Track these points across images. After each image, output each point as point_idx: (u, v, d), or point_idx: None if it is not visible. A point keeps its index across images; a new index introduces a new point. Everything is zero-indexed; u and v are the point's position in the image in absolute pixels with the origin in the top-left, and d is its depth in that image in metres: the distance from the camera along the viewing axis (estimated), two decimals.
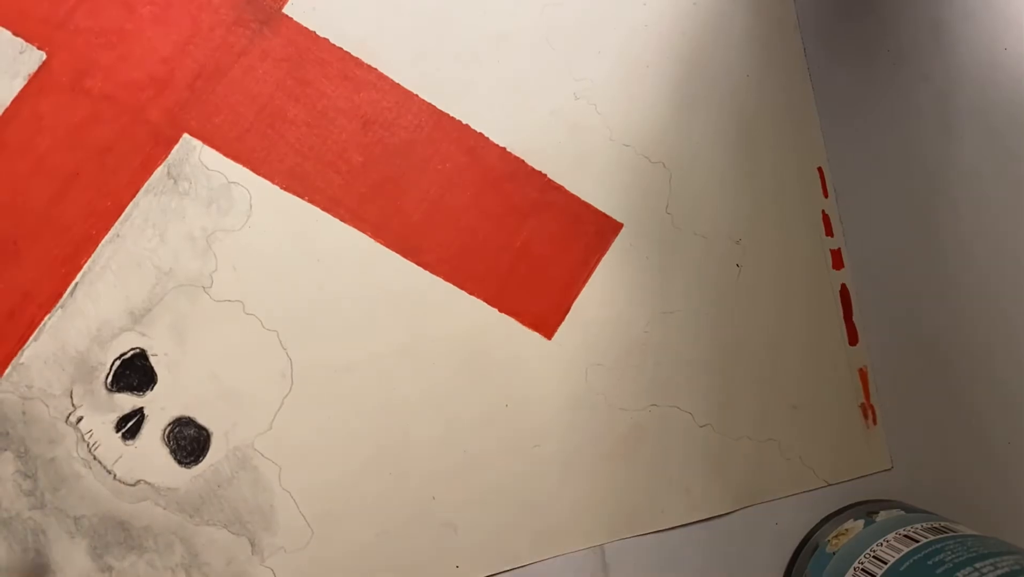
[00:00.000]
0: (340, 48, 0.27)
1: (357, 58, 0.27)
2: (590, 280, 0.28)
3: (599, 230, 0.28)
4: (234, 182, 0.27)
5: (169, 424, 0.26)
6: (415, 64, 0.28)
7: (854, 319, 0.29)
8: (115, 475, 0.26)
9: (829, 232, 0.29)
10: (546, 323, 0.28)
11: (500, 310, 0.28)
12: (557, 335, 0.28)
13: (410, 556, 0.27)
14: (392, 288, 0.27)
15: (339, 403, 0.27)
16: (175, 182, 0.26)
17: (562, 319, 0.28)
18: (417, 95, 0.27)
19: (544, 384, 0.28)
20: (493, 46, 0.28)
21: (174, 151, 0.26)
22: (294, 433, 0.27)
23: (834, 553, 0.27)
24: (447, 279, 0.27)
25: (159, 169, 0.26)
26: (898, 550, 0.25)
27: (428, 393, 0.27)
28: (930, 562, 0.24)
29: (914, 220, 0.30)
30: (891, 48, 0.31)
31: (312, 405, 0.27)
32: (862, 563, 0.25)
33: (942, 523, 0.26)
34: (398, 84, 0.27)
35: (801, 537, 0.29)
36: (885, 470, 0.29)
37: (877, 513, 0.28)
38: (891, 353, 0.30)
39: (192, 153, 0.26)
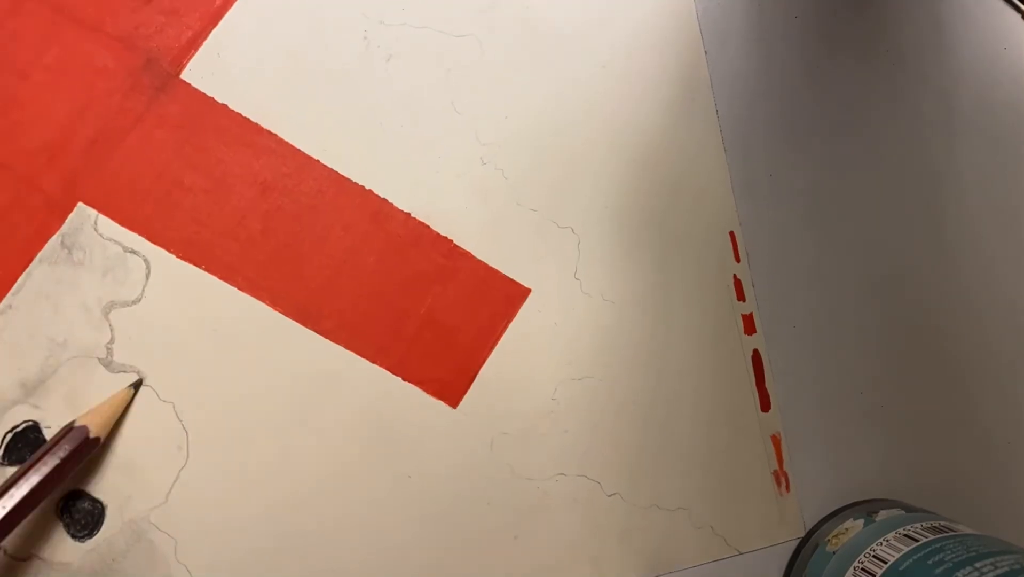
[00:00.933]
0: (239, 114, 0.27)
1: (256, 124, 0.27)
2: (497, 347, 0.28)
3: (506, 296, 0.28)
4: (130, 251, 0.26)
5: (62, 497, 0.26)
6: (316, 129, 0.27)
7: (766, 385, 0.29)
8: (6, 550, 0.25)
9: (741, 297, 0.29)
10: (451, 392, 0.28)
11: (404, 379, 0.27)
12: (462, 404, 0.28)
13: None
14: (291, 358, 0.27)
15: (236, 476, 0.26)
16: (69, 252, 0.26)
17: (467, 387, 0.28)
18: (318, 160, 0.27)
19: (449, 455, 0.27)
20: (397, 110, 0.28)
21: (68, 220, 0.26)
22: (190, 506, 0.26)
23: (834, 552, 0.26)
24: (348, 347, 0.27)
25: (53, 239, 0.26)
26: (898, 549, 0.25)
27: (329, 465, 0.27)
28: (930, 561, 0.24)
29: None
30: (891, 48, 0.30)
31: (209, 478, 0.26)
32: (862, 562, 0.25)
33: (942, 523, 0.26)
34: (299, 150, 0.27)
35: (801, 537, 0.29)
36: (798, 538, 0.29)
37: (877, 512, 0.27)
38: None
39: (87, 222, 0.26)
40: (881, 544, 0.25)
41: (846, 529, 0.27)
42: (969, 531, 0.25)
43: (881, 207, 0.30)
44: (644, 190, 0.29)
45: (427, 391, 0.27)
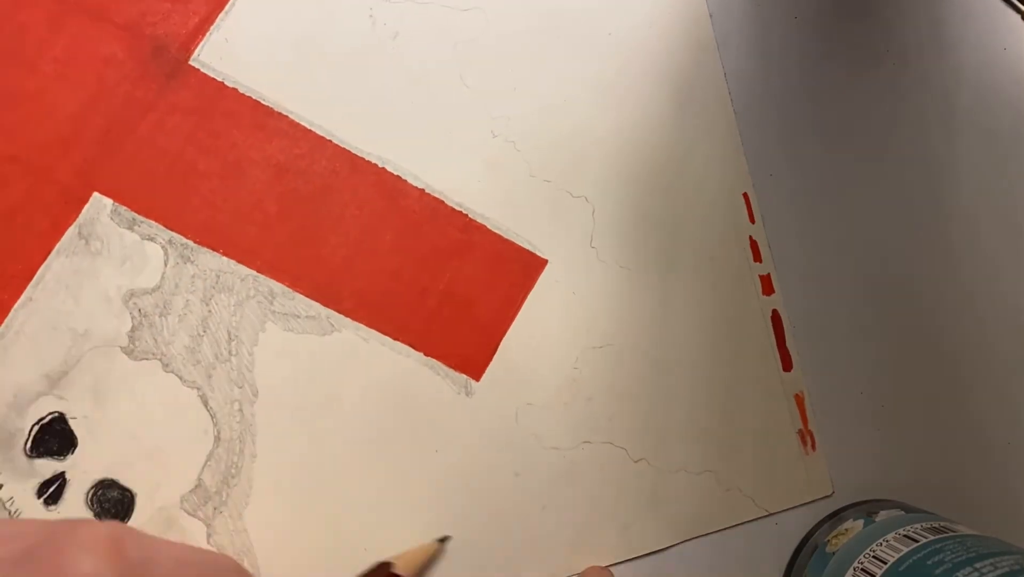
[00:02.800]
0: (249, 97, 0.27)
1: (267, 106, 0.27)
2: (517, 318, 0.28)
3: (524, 268, 0.28)
4: (148, 239, 0.26)
5: (92, 487, 0.26)
6: (328, 109, 0.27)
7: (787, 345, 0.29)
8: None
9: (758, 258, 0.29)
10: (473, 365, 0.28)
11: (426, 354, 0.27)
12: (485, 376, 0.28)
13: None
14: (314, 337, 0.27)
15: (264, 458, 0.26)
16: (87, 242, 0.26)
17: (490, 360, 0.28)
18: (331, 140, 0.27)
19: (475, 427, 0.27)
20: (407, 87, 0.28)
21: (84, 210, 0.26)
22: (220, 491, 0.26)
23: (834, 553, 0.27)
24: (369, 325, 0.27)
25: (70, 230, 0.26)
26: (898, 550, 0.25)
27: (356, 443, 0.27)
28: (930, 562, 0.24)
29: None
30: (891, 49, 0.30)
31: (236, 462, 0.26)
32: (862, 563, 0.25)
33: (942, 523, 0.26)
34: (311, 130, 0.27)
35: (801, 537, 0.29)
36: (826, 497, 0.29)
37: (877, 513, 0.27)
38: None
39: (103, 212, 0.26)
40: (881, 544, 0.25)
41: (846, 529, 0.27)
42: (969, 531, 0.25)
43: (881, 208, 0.30)
44: (656, 157, 0.29)
45: (450, 365, 0.27)
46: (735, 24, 0.29)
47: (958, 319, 0.31)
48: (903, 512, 0.27)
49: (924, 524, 0.26)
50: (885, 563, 0.25)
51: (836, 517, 0.28)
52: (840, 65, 0.30)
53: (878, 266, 0.30)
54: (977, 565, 0.23)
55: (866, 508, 0.28)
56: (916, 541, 0.25)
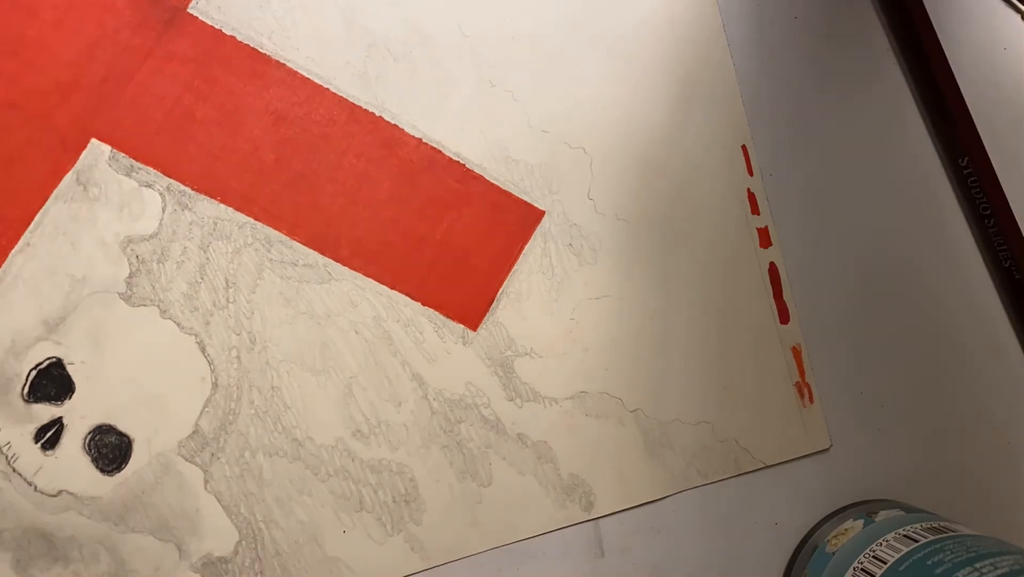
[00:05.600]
0: (247, 45, 0.27)
1: (265, 55, 0.27)
2: (514, 269, 0.28)
3: (521, 218, 0.28)
4: (145, 185, 0.26)
5: (89, 432, 0.26)
6: (325, 58, 0.27)
7: (784, 297, 0.29)
8: (36, 486, 0.26)
9: (755, 211, 0.29)
10: (471, 315, 0.28)
11: (423, 304, 0.27)
12: (482, 326, 0.28)
13: (356, 551, 0.27)
14: (310, 285, 0.27)
15: (262, 405, 0.26)
16: (85, 188, 0.26)
17: (487, 309, 0.28)
18: (328, 89, 0.27)
19: (470, 376, 0.27)
20: (404, 35, 0.28)
21: (82, 157, 0.26)
22: (217, 437, 0.26)
23: (833, 553, 0.27)
24: (366, 274, 0.27)
25: (68, 175, 0.26)
26: (898, 550, 0.25)
27: (352, 393, 0.27)
28: (930, 562, 0.24)
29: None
30: (891, 49, 0.30)
31: (234, 409, 0.26)
32: (861, 563, 0.25)
33: (942, 523, 0.26)
34: (308, 79, 0.27)
35: (801, 537, 0.29)
36: (824, 450, 0.29)
37: (877, 513, 0.27)
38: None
39: (101, 158, 0.26)
40: (881, 545, 0.25)
41: (846, 529, 0.27)
42: (969, 531, 0.25)
43: (883, 207, 0.30)
44: (655, 108, 0.29)
45: (447, 315, 0.27)
46: (731, 21, 0.29)
47: (958, 319, 0.31)
48: (903, 512, 0.27)
49: (924, 524, 0.26)
50: (885, 563, 0.25)
51: (836, 517, 0.28)
52: (839, 66, 0.30)
53: (874, 263, 0.30)
54: (977, 565, 0.23)
55: (866, 508, 0.28)
56: (916, 541, 0.25)
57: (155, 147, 0.26)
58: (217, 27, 0.27)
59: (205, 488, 0.26)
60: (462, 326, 0.28)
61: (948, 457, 0.30)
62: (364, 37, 0.27)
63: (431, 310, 0.27)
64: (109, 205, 0.26)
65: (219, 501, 0.26)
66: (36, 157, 0.26)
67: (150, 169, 0.26)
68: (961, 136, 0.30)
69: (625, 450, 0.28)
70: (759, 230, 0.29)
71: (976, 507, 0.30)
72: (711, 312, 0.29)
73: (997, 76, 0.31)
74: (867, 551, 0.25)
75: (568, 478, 0.28)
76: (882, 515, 0.27)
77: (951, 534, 0.25)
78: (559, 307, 0.28)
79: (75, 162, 0.26)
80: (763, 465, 0.29)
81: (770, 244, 0.29)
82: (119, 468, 0.26)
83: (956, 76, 0.30)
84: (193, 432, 0.26)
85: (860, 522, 0.27)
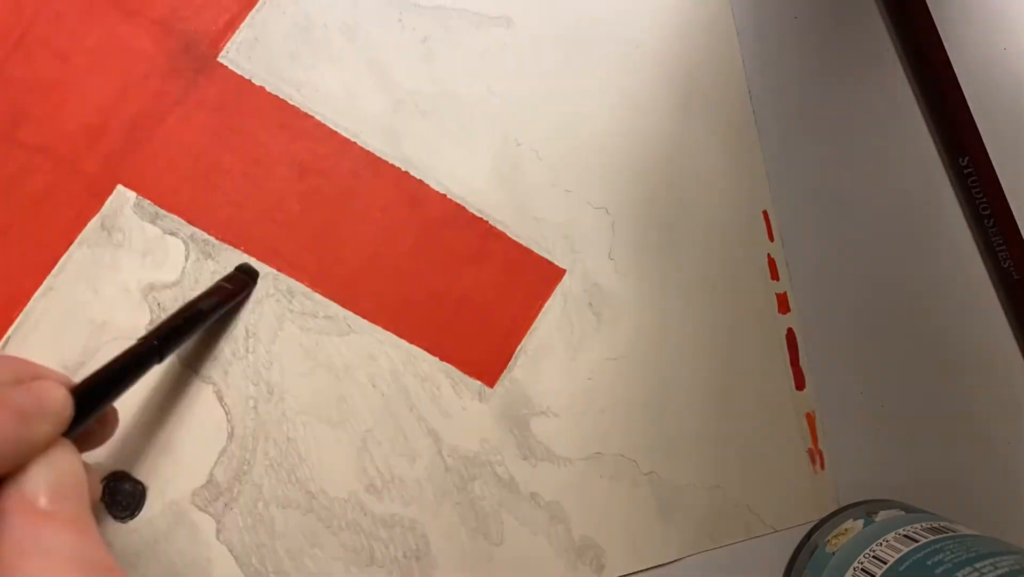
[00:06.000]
0: (276, 96, 0.27)
1: (294, 106, 0.27)
2: (532, 327, 0.28)
3: (541, 276, 0.28)
4: (169, 233, 0.26)
5: (104, 479, 0.26)
6: (353, 112, 0.27)
7: (800, 364, 0.29)
8: None
9: (775, 276, 0.29)
10: (488, 371, 0.28)
11: (441, 359, 0.27)
12: (499, 383, 0.28)
13: None
14: (330, 337, 0.27)
15: (277, 457, 0.26)
16: (109, 234, 0.26)
17: (504, 367, 0.28)
18: (355, 142, 0.27)
19: (486, 433, 0.27)
20: (433, 92, 0.28)
21: (108, 202, 0.26)
22: (232, 487, 0.26)
23: (833, 553, 0.27)
24: (386, 327, 0.27)
25: (93, 220, 0.26)
26: (898, 550, 0.25)
27: (367, 447, 0.27)
28: (930, 562, 0.24)
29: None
30: (891, 49, 0.31)
31: (250, 460, 0.26)
32: (861, 563, 0.25)
33: (942, 523, 0.26)
34: (335, 132, 0.27)
35: (801, 537, 0.29)
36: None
37: (877, 513, 0.27)
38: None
39: (126, 204, 0.26)
40: (881, 545, 0.25)
41: (846, 529, 0.27)
42: (969, 531, 0.25)
43: (883, 208, 0.30)
44: (677, 171, 0.29)
45: (464, 371, 0.28)
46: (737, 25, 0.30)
47: (958, 319, 0.31)
48: (903, 512, 0.27)
49: (924, 524, 0.26)
50: (885, 563, 0.25)
51: (836, 517, 0.28)
52: (839, 67, 0.30)
53: (878, 269, 0.30)
54: (977, 565, 0.23)
55: (866, 508, 0.28)
56: (916, 541, 0.25)
57: (180, 195, 0.26)
58: (247, 77, 0.27)
59: (217, 538, 0.26)
60: (479, 382, 0.28)
61: (948, 457, 0.30)
62: (393, 92, 0.27)
63: (449, 365, 0.28)
64: (133, 252, 0.26)
65: (231, 551, 0.26)
66: (62, 201, 0.26)
67: (175, 217, 0.26)
68: (962, 136, 0.30)
69: (638, 512, 0.28)
70: (778, 295, 0.29)
71: (976, 507, 0.30)
72: (728, 376, 0.29)
73: (997, 76, 0.31)
74: (867, 551, 0.25)
75: (580, 540, 0.28)
76: (882, 515, 0.27)
77: (951, 534, 0.25)
78: (577, 366, 0.28)
79: (101, 207, 0.26)
80: (772, 530, 0.29)
81: (788, 310, 0.29)
82: (132, 515, 0.26)
83: (956, 76, 0.30)
84: (207, 481, 0.26)
85: (860, 522, 0.27)
